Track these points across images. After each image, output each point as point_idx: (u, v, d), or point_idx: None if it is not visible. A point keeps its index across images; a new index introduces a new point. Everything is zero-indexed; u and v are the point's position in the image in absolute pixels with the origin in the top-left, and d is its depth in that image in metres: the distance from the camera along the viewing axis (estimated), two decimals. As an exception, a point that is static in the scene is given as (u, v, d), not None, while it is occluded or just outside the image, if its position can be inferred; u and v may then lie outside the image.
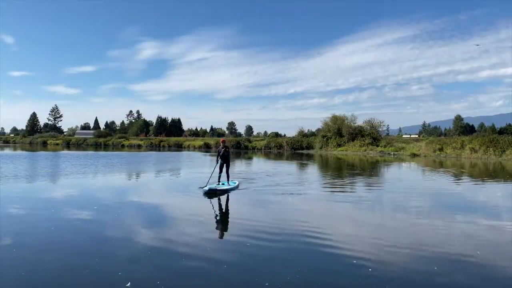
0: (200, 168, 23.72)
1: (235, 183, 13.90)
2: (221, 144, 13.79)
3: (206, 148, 69.62)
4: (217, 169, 13.64)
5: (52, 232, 7.26)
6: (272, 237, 7.02)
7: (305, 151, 58.41)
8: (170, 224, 8.32)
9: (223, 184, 13.29)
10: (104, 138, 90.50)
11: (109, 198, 11.67)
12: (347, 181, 17.14)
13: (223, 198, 11.76)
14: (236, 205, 11.00)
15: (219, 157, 13.53)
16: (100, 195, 12.31)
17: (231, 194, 12.30)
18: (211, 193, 12.00)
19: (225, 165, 13.65)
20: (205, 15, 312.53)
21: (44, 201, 10.97)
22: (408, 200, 11.91)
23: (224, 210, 10.34)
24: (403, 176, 20.88)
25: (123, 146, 79.51)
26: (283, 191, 13.04)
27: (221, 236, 7.40)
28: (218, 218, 9.25)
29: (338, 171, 24.38)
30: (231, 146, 69.77)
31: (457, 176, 20.52)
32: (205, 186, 12.42)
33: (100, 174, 18.94)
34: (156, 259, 5.72)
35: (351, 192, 13.73)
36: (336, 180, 17.94)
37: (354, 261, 5.74)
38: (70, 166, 23.70)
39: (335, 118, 59.87)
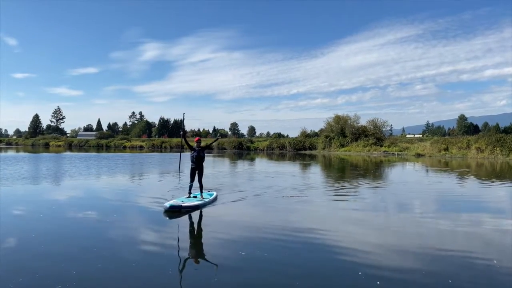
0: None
1: (211, 194, 11.07)
2: (196, 143, 10.79)
3: (208, 149, 68.95)
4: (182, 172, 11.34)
5: (32, 240, 6.71)
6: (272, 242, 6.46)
7: (307, 152, 57.81)
8: (159, 232, 7.76)
9: (194, 197, 10.40)
10: (106, 140, 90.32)
11: (107, 201, 11.14)
12: (352, 183, 16.54)
13: (195, 215, 9.05)
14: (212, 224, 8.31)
15: (191, 161, 10.64)
16: (98, 198, 11.77)
17: (205, 211, 9.50)
18: (173, 211, 9.03)
19: (197, 172, 10.61)
20: (208, 16, 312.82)
21: (37, 204, 10.42)
22: (417, 204, 11.30)
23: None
24: (410, 178, 20.24)
25: (125, 147, 79.24)
26: (283, 195, 12.37)
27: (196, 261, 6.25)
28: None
29: (342, 172, 23.78)
30: (232, 146, 69.25)
31: (467, 176, 19.85)
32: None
33: (99, 177, 18.43)
34: (145, 272, 5.17)
35: (355, 195, 13.10)
36: (339, 182, 17.34)
37: (360, 273, 5.16)
38: (71, 168, 23.26)
39: (338, 118, 59.27)
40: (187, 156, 11.16)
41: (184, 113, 11.40)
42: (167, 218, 8.65)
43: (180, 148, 11.90)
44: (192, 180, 10.60)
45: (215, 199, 10.84)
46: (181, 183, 13.34)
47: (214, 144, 11.98)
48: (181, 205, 9.25)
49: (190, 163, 10.66)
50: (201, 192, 10.61)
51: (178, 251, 6.21)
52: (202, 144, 11.03)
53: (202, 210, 9.55)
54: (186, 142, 10.75)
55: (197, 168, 10.58)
